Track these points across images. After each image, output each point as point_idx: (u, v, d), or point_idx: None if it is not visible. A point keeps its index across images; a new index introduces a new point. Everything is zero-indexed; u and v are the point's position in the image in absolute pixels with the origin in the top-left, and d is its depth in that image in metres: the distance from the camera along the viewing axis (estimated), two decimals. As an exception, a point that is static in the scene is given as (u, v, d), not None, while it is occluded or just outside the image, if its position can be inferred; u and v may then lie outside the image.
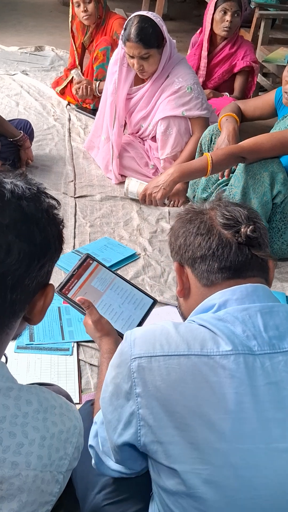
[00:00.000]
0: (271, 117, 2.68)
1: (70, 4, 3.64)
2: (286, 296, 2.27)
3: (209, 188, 2.67)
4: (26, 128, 3.02)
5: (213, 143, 2.60)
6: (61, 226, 0.86)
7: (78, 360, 1.86)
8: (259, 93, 4.07)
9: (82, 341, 1.93)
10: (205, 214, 1.09)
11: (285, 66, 2.35)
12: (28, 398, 0.78)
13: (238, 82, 3.60)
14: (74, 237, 2.52)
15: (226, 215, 1.05)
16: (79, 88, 3.61)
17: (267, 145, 2.27)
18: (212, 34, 3.53)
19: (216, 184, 2.64)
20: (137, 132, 3.09)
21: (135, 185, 2.80)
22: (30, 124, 3.08)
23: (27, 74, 4.36)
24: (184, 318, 1.12)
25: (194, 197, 2.80)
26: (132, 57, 2.73)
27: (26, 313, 0.84)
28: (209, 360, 0.90)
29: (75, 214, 2.70)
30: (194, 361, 0.90)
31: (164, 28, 2.73)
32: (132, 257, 2.43)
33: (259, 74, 3.97)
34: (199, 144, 2.71)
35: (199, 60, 3.60)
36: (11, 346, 1.85)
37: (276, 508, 0.89)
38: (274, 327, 0.94)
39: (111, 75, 2.92)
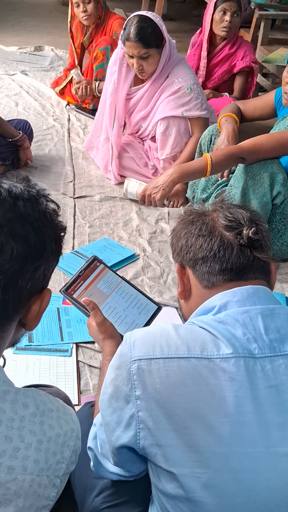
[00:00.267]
0: (271, 118, 2.68)
1: (69, 4, 3.63)
2: (286, 297, 2.27)
3: (209, 189, 2.67)
4: (25, 128, 3.01)
5: (213, 144, 2.59)
6: (59, 231, 0.85)
7: (77, 362, 1.85)
8: (259, 94, 4.06)
9: (81, 342, 1.92)
10: (207, 215, 1.08)
11: (284, 66, 2.34)
12: (25, 402, 0.77)
13: (237, 83, 3.60)
14: (73, 238, 2.52)
15: (229, 217, 1.04)
16: (78, 88, 3.61)
17: (267, 145, 2.26)
18: (211, 34, 3.53)
19: (215, 184, 2.64)
20: (136, 132, 3.09)
21: (134, 186, 2.79)
22: (29, 125, 3.07)
23: (26, 74, 4.35)
24: (185, 320, 1.11)
25: (193, 197, 2.79)
26: (132, 57, 2.73)
27: (22, 318, 0.83)
28: (209, 363, 0.89)
29: (74, 215, 2.69)
30: (194, 364, 0.89)
31: (163, 28, 2.73)
32: (132, 258, 2.43)
33: (258, 75, 3.96)
34: (198, 144, 2.70)
35: (198, 61, 3.60)
36: (9, 347, 1.84)
37: None
38: (275, 329, 0.94)
39: (111, 75, 2.92)
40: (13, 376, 1.74)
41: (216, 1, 3.42)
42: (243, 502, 0.87)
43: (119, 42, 2.81)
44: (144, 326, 1.50)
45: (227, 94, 3.55)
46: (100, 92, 3.32)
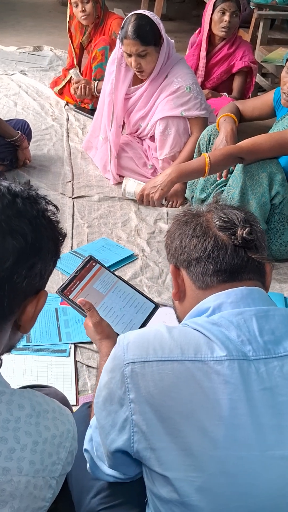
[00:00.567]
0: (269, 118, 2.67)
1: (68, 4, 3.63)
2: (285, 297, 2.26)
3: (208, 189, 2.66)
4: (24, 128, 3.01)
5: (212, 144, 2.59)
6: (57, 232, 0.86)
7: (75, 362, 1.85)
8: (258, 93, 4.06)
9: (79, 342, 1.92)
10: (202, 216, 1.08)
11: (283, 66, 2.34)
12: (21, 403, 0.77)
13: (236, 83, 3.60)
14: (72, 238, 2.51)
15: (223, 217, 1.04)
16: (77, 88, 3.60)
17: (266, 145, 2.26)
18: (210, 34, 3.52)
19: (214, 184, 2.63)
20: (135, 132, 3.08)
21: (132, 186, 2.79)
22: (28, 124, 3.07)
23: (25, 74, 4.35)
24: (180, 321, 1.11)
25: (192, 197, 2.79)
26: (130, 55, 2.72)
27: (17, 319, 0.83)
28: (203, 366, 0.88)
29: (73, 215, 2.69)
30: (188, 367, 0.88)
31: (161, 26, 2.74)
32: (130, 258, 2.42)
33: (258, 74, 3.96)
34: (197, 144, 2.70)
35: (197, 60, 3.59)
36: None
37: None
38: (269, 331, 0.93)
39: (109, 74, 2.92)
40: (10, 376, 1.74)
41: (215, 1, 3.41)
42: (238, 506, 0.86)
43: (117, 42, 2.81)
44: (141, 325, 1.49)
45: (226, 94, 3.55)
46: (99, 92, 3.32)
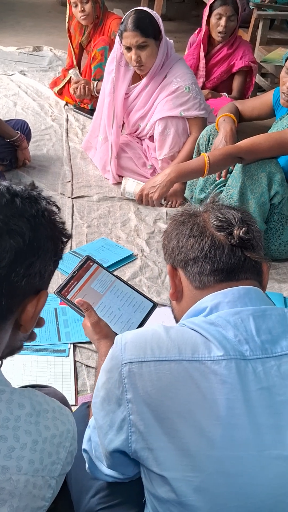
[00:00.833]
0: (269, 117, 2.67)
1: (68, 4, 3.63)
2: (284, 297, 2.26)
3: (207, 189, 2.66)
4: (23, 128, 3.01)
5: (211, 144, 2.59)
6: (58, 232, 0.86)
7: (75, 362, 1.85)
8: (258, 93, 4.06)
9: (78, 342, 1.92)
10: (199, 216, 1.08)
11: (283, 66, 2.34)
12: (21, 402, 0.77)
13: (236, 83, 3.60)
14: (71, 238, 2.51)
15: (220, 217, 1.04)
16: (77, 88, 3.61)
17: (265, 145, 2.26)
18: (210, 35, 3.52)
19: (214, 184, 2.63)
20: (135, 132, 3.08)
21: (132, 185, 2.79)
22: (28, 125, 3.07)
23: (25, 74, 4.35)
24: (177, 321, 1.11)
25: (191, 197, 2.79)
26: (129, 48, 2.72)
27: (18, 319, 0.83)
28: (201, 366, 0.88)
29: (72, 215, 2.69)
30: (185, 367, 0.88)
31: (160, 22, 2.75)
32: (129, 258, 2.42)
33: (257, 74, 3.96)
34: (196, 144, 2.70)
35: (197, 61, 3.59)
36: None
37: None
38: (266, 331, 0.93)
39: (108, 74, 2.92)
40: (10, 376, 1.73)
41: (211, 5, 3.41)
42: (236, 506, 0.86)
43: (117, 40, 2.81)
44: (140, 324, 1.49)
45: (225, 94, 3.55)
46: (98, 92, 3.32)
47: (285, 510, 0.89)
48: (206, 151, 2.59)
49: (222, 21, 3.37)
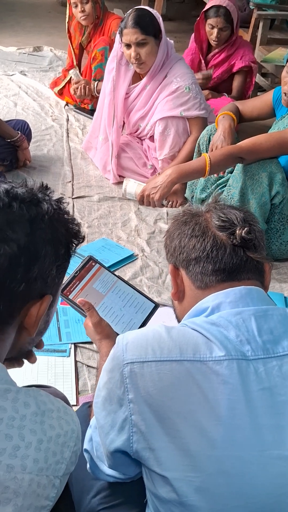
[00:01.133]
0: (269, 117, 2.67)
1: (68, 4, 3.63)
2: (285, 297, 2.26)
3: (208, 189, 2.66)
4: (23, 128, 3.01)
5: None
6: (60, 237, 0.84)
7: (75, 362, 1.85)
8: (258, 93, 4.06)
9: (79, 342, 1.92)
10: (201, 216, 1.08)
11: (283, 66, 2.34)
12: (26, 401, 0.77)
13: (236, 83, 3.60)
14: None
15: (222, 217, 1.04)
16: (77, 88, 3.61)
17: (266, 145, 2.26)
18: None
19: (215, 184, 2.63)
20: (135, 132, 3.09)
21: (133, 186, 2.79)
22: (28, 125, 3.07)
23: (25, 75, 4.35)
24: (179, 321, 1.11)
25: (192, 197, 2.79)
26: (129, 45, 2.72)
27: (22, 322, 0.82)
28: (202, 366, 0.88)
29: (73, 215, 2.67)
30: (187, 367, 0.88)
31: (161, 21, 2.76)
32: (130, 258, 2.42)
33: (258, 74, 3.96)
34: (197, 144, 2.70)
35: (197, 55, 3.61)
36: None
37: None
38: (268, 331, 0.93)
39: (109, 73, 2.91)
40: (10, 376, 1.73)
41: (206, 12, 3.43)
42: (237, 506, 0.86)
43: (117, 39, 2.81)
44: (141, 325, 1.50)
45: (225, 94, 3.56)
46: (98, 92, 3.32)
47: (285, 510, 0.89)
48: (206, 151, 2.60)
49: (214, 32, 3.42)
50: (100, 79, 3.52)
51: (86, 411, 1.32)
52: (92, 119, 3.29)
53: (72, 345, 1.91)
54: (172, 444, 0.87)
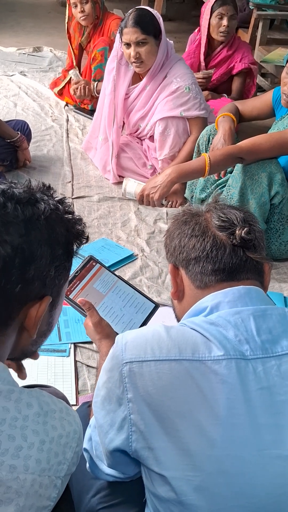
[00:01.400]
0: (269, 117, 2.68)
1: (67, 5, 3.64)
2: (284, 297, 2.27)
3: (208, 189, 2.67)
4: (23, 129, 3.02)
5: (211, 144, 2.59)
6: (59, 237, 0.83)
7: (75, 362, 1.85)
8: (258, 93, 4.06)
9: (79, 342, 1.92)
10: (201, 216, 1.08)
11: (283, 66, 2.34)
12: (29, 401, 0.77)
13: (236, 84, 3.60)
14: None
15: (222, 217, 1.04)
16: (77, 88, 3.61)
17: (265, 145, 2.26)
18: (209, 38, 3.53)
19: (215, 184, 2.64)
20: (135, 132, 3.09)
21: (133, 186, 2.79)
22: (28, 125, 3.07)
23: (25, 75, 4.35)
24: (178, 320, 1.11)
25: (192, 197, 2.79)
26: (129, 45, 2.72)
27: (23, 324, 0.82)
28: (201, 365, 0.88)
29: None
30: (186, 366, 0.88)
31: (161, 21, 2.76)
32: (130, 258, 2.43)
33: (257, 75, 3.96)
34: (196, 144, 2.70)
35: (197, 59, 3.60)
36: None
37: None
38: (267, 330, 0.93)
39: (109, 73, 2.92)
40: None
41: (212, 6, 3.42)
42: (236, 506, 0.86)
43: (117, 39, 2.81)
44: (141, 325, 1.50)
45: (225, 95, 3.56)
46: (98, 93, 3.32)
47: (285, 510, 0.89)
48: (206, 151, 2.60)
49: (224, 21, 3.39)
50: (99, 80, 3.53)
51: (85, 411, 1.33)
52: (92, 119, 3.30)
53: (72, 345, 1.91)
54: (171, 444, 0.87)
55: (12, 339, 0.83)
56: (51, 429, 0.78)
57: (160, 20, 2.76)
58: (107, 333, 1.39)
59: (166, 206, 2.84)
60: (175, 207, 2.84)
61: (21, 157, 2.97)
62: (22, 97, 3.95)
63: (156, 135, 2.90)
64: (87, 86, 3.60)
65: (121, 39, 2.75)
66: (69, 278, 1.47)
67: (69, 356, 1.87)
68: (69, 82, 3.84)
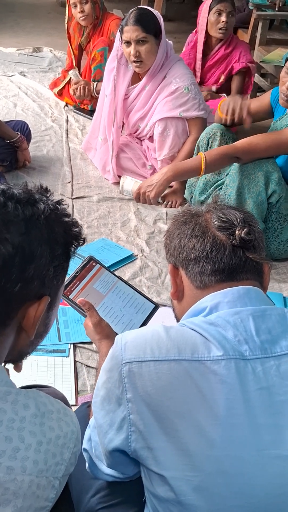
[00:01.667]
0: (267, 118, 2.67)
1: (67, 5, 3.64)
2: (284, 297, 2.27)
3: (207, 191, 2.66)
4: (23, 129, 3.02)
5: (210, 146, 2.59)
6: (58, 237, 0.84)
7: (75, 362, 1.86)
8: (258, 94, 4.07)
9: (78, 342, 1.93)
10: (201, 216, 1.08)
11: (282, 66, 2.34)
12: (26, 403, 0.77)
13: (235, 83, 3.60)
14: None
15: (222, 217, 1.04)
16: (76, 89, 3.61)
17: (262, 145, 2.26)
18: (207, 36, 3.53)
19: (214, 186, 2.64)
20: (135, 133, 3.09)
21: (129, 184, 2.80)
22: (28, 126, 3.08)
23: (25, 76, 4.36)
24: (178, 320, 1.11)
25: (191, 198, 2.79)
26: (129, 43, 2.72)
27: (21, 324, 0.82)
28: (200, 366, 0.88)
29: (72, 216, 2.69)
30: (185, 366, 0.88)
31: (161, 20, 2.77)
32: (129, 258, 2.43)
33: (257, 75, 3.97)
34: (196, 146, 2.70)
35: (193, 61, 3.61)
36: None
37: None
38: (266, 331, 0.93)
39: (109, 72, 2.92)
40: (10, 376, 1.74)
41: (210, 3, 3.43)
42: (235, 506, 0.86)
43: (117, 38, 2.82)
44: (141, 325, 1.50)
45: (224, 95, 3.56)
46: (98, 93, 3.33)
47: (284, 510, 0.89)
48: (205, 152, 2.60)
49: (223, 17, 3.40)
50: (99, 80, 3.53)
51: (85, 411, 1.33)
52: (91, 119, 3.30)
53: (72, 345, 1.91)
54: (170, 444, 0.87)
55: (10, 340, 0.83)
56: (49, 430, 0.77)
57: (161, 20, 2.76)
58: (107, 334, 1.39)
59: (166, 206, 2.84)
60: (174, 207, 2.84)
61: (21, 158, 2.98)
62: (21, 97, 3.95)
63: (156, 135, 2.90)
64: (86, 87, 3.60)
65: (121, 38, 2.76)
66: (69, 278, 1.47)
67: (68, 356, 1.87)
68: (68, 82, 3.84)
